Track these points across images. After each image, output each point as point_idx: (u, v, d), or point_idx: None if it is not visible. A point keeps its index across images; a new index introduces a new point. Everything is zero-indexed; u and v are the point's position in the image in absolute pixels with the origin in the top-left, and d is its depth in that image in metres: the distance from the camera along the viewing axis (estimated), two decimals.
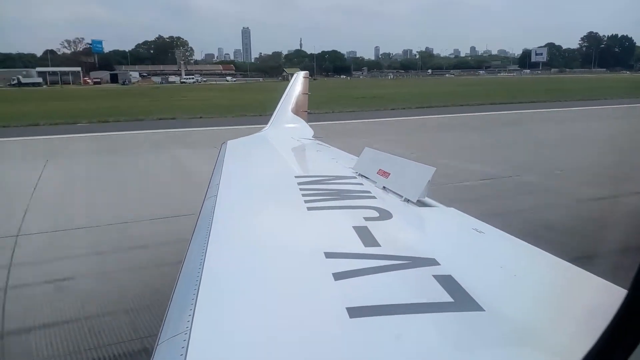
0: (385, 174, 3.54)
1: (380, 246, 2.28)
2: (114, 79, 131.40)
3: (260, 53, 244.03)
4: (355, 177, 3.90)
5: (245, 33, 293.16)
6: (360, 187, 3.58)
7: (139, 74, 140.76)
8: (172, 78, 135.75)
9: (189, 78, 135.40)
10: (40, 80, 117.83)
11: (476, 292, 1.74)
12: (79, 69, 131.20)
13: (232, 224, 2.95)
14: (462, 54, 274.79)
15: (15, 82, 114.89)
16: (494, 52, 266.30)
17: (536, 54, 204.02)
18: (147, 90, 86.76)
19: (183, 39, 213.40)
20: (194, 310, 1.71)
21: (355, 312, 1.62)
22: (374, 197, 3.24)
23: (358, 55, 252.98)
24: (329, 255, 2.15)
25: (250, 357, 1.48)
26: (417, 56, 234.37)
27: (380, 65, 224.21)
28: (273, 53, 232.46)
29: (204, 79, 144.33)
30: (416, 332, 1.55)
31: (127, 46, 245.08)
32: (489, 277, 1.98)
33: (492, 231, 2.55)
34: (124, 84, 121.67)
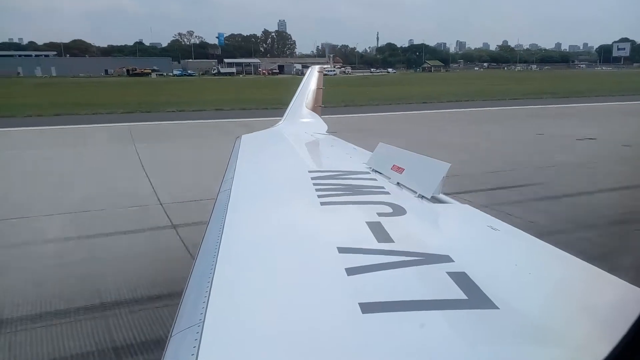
0: (399, 169, 3.45)
1: (393, 242, 2.20)
2: (280, 70, 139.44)
3: (318, 46, 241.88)
4: (369, 173, 3.78)
5: (282, 25, 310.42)
6: (374, 182, 3.47)
7: (302, 65, 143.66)
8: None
9: (330, 70, 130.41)
10: (234, 70, 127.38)
11: (490, 290, 1.69)
12: (258, 60, 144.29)
13: (245, 218, 2.87)
14: (493, 47, 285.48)
15: (216, 71, 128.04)
16: (526, 45, 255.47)
17: (618, 49, 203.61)
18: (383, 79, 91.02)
19: (287, 32, 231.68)
20: (207, 303, 1.69)
21: (368, 307, 1.59)
22: (387, 193, 3.13)
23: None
24: (342, 250, 2.09)
25: (262, 350, 1.45)
26: (521, 49, 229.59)
27: (472, 57, 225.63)
28: (341, 46, 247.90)
29: (348, 71, 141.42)
30: (429, 329, 1.50)
31: (160, 39, 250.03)
32: (503, 275, 1.92)
33: (506, 228, 2.44)
34: (299, 74, 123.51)
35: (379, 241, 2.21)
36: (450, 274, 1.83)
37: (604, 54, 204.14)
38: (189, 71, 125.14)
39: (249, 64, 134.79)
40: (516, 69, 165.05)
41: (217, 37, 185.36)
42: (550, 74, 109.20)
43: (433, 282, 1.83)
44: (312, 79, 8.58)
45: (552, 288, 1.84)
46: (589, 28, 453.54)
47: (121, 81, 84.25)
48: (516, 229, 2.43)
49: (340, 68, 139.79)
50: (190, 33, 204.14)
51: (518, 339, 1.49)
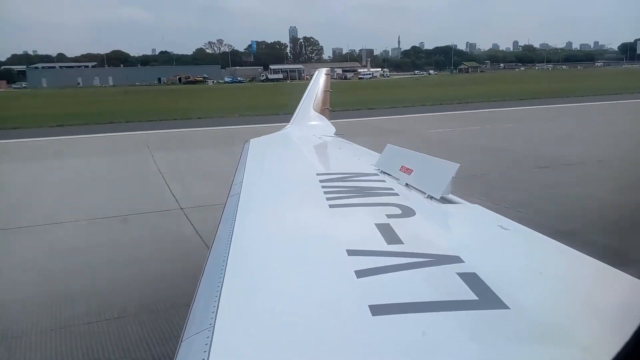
0: (408, 170, 3.39)
1: (403, 243, 2.16)
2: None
3: (334, 50, 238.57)
4: (377, 174, 3.70)
5: (293, 32, 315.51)
6: (382, 184, 3.40)
7: (343, 70, 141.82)
8: (361, 74, 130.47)
9: (367, 74, 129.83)
10: (281, 76, 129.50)
11: (501, 290, 1.66)
12: (302, 66, 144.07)
13: (254, 222, 2.84)
14: (503, 48, 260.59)
15: (264, 77, 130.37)
16: (536, 45, 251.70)
17: None
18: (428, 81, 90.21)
19: (314, 39, 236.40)
20: (218, 307, 1.67)
21: (377, 309, 1.56)
22: (396, 194, 3.07)
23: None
24: (351, 252, 2.04)
25: (272, 354, 1.43)
26: (537, 49, 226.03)
27: (497, 58, 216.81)
28: (361, 50, 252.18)
29: (387, 74, 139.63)
30: (440, 330, 1.48)
31: (171, 48, 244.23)
32: (514, 275, 1.88)
33: (517, 228, 2.37)
34: (345, 78, 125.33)
35: (388, 243, 2.17)
36: (460, 274, 1.79)
37: (627, 52, 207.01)
38: (238, 78, 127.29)
39: (293, 70, 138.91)
40: (549, 69, 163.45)
41: (249, 45, 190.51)
42: (595, 72, 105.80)
43: (443, 283, 1.79)
44: (319, 81, 8.53)
45: (564, 287, 1.79)
46: (598, 27, 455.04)
47: (194, 88, 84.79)
48: (527, 228, 2.36)
49: (379, 71, 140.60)
50: (220, 42, 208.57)
51: (530, 339, 1.46)
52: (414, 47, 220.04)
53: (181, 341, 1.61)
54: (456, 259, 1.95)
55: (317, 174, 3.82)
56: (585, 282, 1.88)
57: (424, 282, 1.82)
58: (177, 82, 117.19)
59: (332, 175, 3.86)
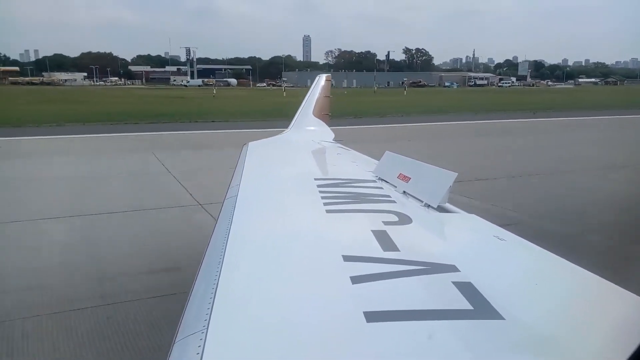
0: (405, 178, 3.31)
1: (399, 251, 2.13)
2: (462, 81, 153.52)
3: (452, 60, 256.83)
4: (375, 181, 3.63)
5: (307, 41, 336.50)
6: (380, 191, 3.33)
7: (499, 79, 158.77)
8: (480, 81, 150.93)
9: (506, 82, 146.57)
10: (486, 82, 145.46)
11: (496, 300, 1.63)
12: (492, 75, 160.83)
13: (251, 225, 2.83)
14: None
15: (473, 83, 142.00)
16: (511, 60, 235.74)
17: None
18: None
19: (425, 49, 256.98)
20: (212, 309, 1.66)
21: (372, 316, 1.55)
22: (393, 202, 3.01)
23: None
24: (347, 258, 2.02)
25: (266, 358, 1.41)
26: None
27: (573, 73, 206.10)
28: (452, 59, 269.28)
29: (533, 83, 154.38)
30: (434, 338, 1.46)
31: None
32: (509, 285, 1.86)
33: (513, 239, 2.35)
34: (498, 86, 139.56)
35: (384, 250, 2.14)
36: (455, 283, 1.77)
37: None
38: (453, 83, 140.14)
39: (487, 78, 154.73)
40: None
41: (385, 55, 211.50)
42: None
43: (438, 292, 1.77)
44: (319, 87, 8.43)
45: (559, 299, 1.77)
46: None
47: (476, 90, 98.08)
48: (523, 239, 2.32)
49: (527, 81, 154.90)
50: (339, 49, 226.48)
51: (523, 350, 1.44)
52: (507, 61, 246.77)
53: (174, 342, 1.59)
54: (452, 268, 1.92)
55: (315, 179, 3.78)
56: (580, 295, 1.84)
57: (419, 290, 1.80)
58: (406, 86, 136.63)
59: (330, 180, 3.83)
